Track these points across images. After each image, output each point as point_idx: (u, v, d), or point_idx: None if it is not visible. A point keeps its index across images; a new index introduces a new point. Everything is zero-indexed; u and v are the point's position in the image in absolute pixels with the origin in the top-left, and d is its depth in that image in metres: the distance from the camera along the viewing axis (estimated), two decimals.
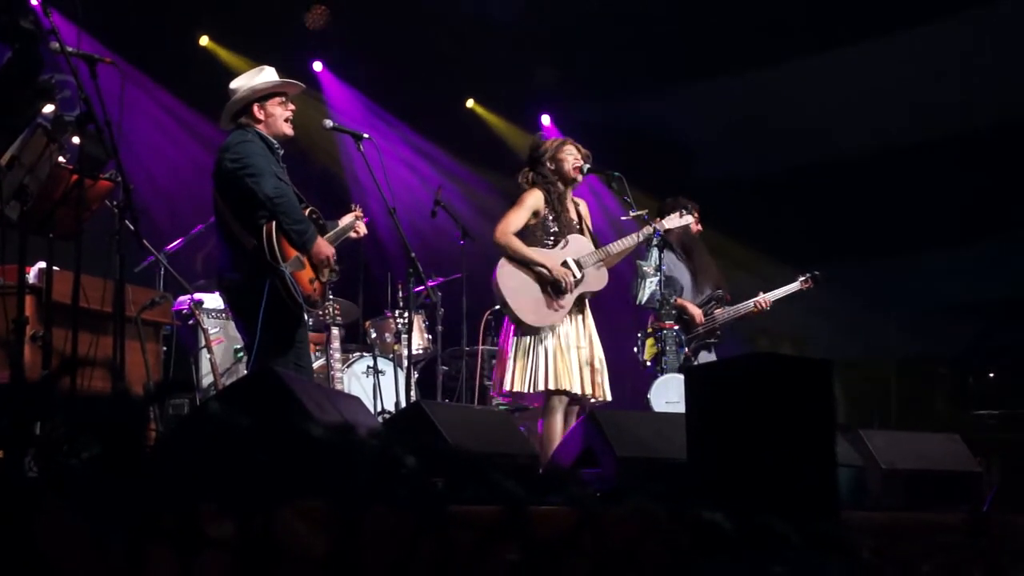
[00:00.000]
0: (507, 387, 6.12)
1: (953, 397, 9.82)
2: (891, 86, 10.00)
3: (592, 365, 6.17)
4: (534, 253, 6.16)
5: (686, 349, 7.08)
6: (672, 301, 7.07)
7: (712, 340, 7.28)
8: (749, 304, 7.40)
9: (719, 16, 9.73)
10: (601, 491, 4.29)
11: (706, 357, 7.24)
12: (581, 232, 6.36)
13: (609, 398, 6.24)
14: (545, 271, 6.13)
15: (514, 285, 6.12)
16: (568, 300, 6.16)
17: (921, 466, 5.35)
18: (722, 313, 7.30)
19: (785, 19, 9.67)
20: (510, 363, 6.10)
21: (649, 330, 6.99)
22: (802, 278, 7.58)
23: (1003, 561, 3.33)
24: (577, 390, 6.07)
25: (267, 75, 5.65)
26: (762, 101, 10.33)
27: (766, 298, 7.42)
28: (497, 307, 6.35)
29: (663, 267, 6.67)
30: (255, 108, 5.55)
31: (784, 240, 9.87)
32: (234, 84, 5.65)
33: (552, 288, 6.14)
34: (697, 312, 7.17)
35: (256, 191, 5.26)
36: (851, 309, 8.21)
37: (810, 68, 10.19)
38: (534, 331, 6.11)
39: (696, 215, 7.24)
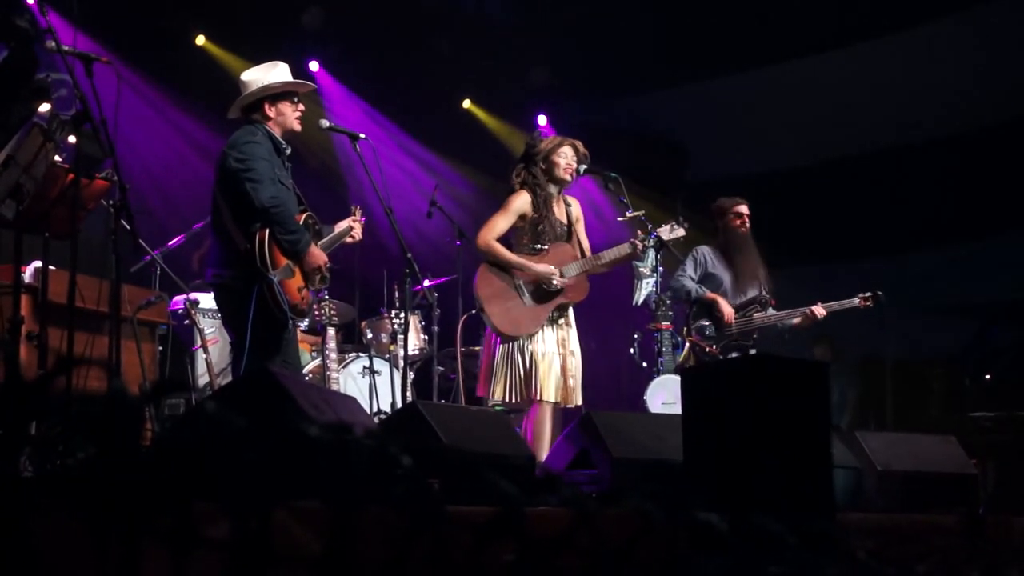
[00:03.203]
0: (496, 397, 6.10)
1: (949, 399, 9.83)
2: (888, 86, 10.01)
3: (567, 373, 6.12)
4: (514, 257, 6.13)
5: (713, 347, 7.00)
6: (703, 295, 7.03)
7: (747, 343, 7.12)
8: (795, 313, 7.19)
9: (716, 17, 9.74)
10: (597, 492, 4.29)
11: None
12: (569, 235, 6.32)
13: (579, 403, 6.19)
14: (525, 274, 6.10)
15: (491, 292, 6.10)
16: (545, 309, 6.13)
17: (917, 468, 5.35)
18: (762, 317, 7.13)
19: (782, 20, 9.67)
20: (494, 373, 6.08)
21: (644, 330, 6.96)
22: (861, 295, 7.35)
23: (999, 562, 3.33)
24: (551, 398, 6.04)
25: (280, 73, 5.64)
26: (758, 102, 10.34)
27: (819, 309, 7.19)
28: (475, 311, 6.32)
29: (660, 268, 6.64)
30: (266, 106, 5.56)
31: (780, 241, 9.86)
32: (246, 76, 5.64)
33: (532, 295, 6.12)
34: (728, 311, 7.06)
35: (252, 198, 5.25)
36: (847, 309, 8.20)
37: (807, 69, 10.20)
38: (514, 338, 6.09)
39: (735, 210, 7.21)
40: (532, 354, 6.04)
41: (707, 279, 7.16)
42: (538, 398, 6.00)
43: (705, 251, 7.20)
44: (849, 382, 10.27)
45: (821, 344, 9.96)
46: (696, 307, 7.08)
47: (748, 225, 7.29)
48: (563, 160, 6.24)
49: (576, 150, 6.31)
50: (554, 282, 6.10)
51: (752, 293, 7.18)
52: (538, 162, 6.25)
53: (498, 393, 6.06)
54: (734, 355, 7.05)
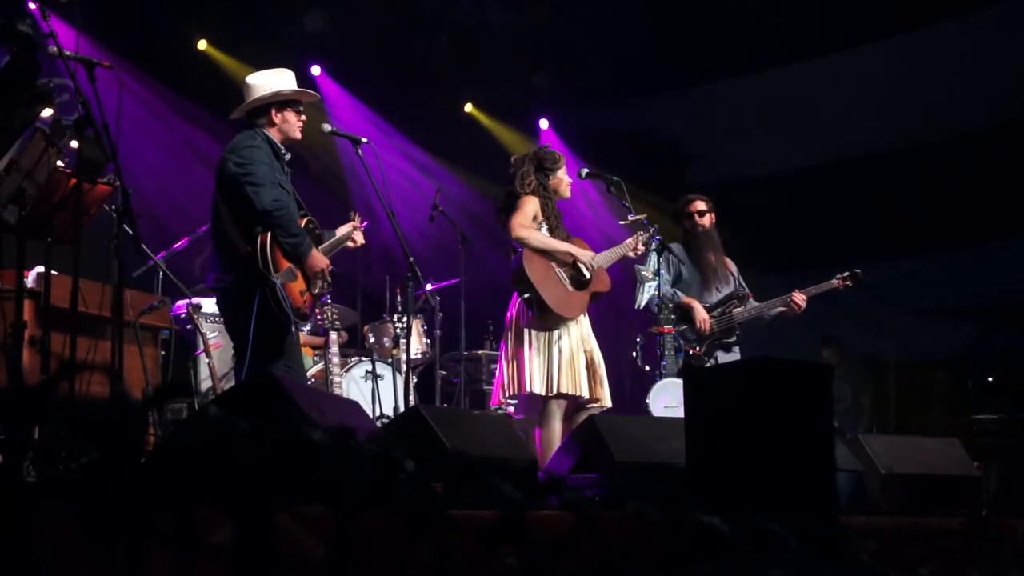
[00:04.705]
0: (527, 388, 6.10)
1: (952, 402, 9.83)
2: (889, 89, 10.02)
3: (595, 369, 6.21)
4: (558, 242, 6.22)
5: (696, 348, 6.94)
6: (678, 299, 6.97)
7: (731, 339, 6.99)
8: (775, 302, 7.05)
9: (716, 20, 9.74)
10: (600, 496, 4.29)
11: (726, 358, 6.96)
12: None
13: (609, 404, 6.26)
14: (570, 257, 6.22)
15: (542, 276, 6.18)
16: (585, 296, 6.24)
17: (920, 470, 5.34)
18: (741, 312, 7.01)
19: (782, 23, 9.68)
20: (528, 362, 6.11)
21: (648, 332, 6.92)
22: (839, 276, 7.17)
23: (1002, 564, 3.33)
24: (584, 393, 6.10)
25: (289, 80, 5.66)
26: (759, 104, 10.34)
27: (800, 296, 7.02)
28: (527, 296, 6.28)
29: (661, 271, 6.64)
30: (273, 111, 5.57)
31: (781, 243, 9.88)
32: (253, 80, 5.65)
33: (571, 282, 6.21)
34: (702, 317, 6.96)
35: (255, 202, 5.26)
36: (849, 312, 8.20)
37: (808, 73, 10.21)
38: (551, 327, 6.14)
39: (690, 208, 7.15)
40: (568, 346, 6.14)
41: (680, 279, 7.10)
42: (568, 391, 6.06)
43: (676, 250, 7.12)
44: (861, 387, 10.25)
45: (829, 347, 9.95)
46: (676, 311, 7.01)
47: (708, 221, 7.18)
48: (567, 179, 6.42)
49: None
50: (594, 264, 6.26)
51: (727, 290, 7.12)
52: (548, 175, 6.34)
53: (535, 385, 6.08)
54: (720, 353, 7.01)
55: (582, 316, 6.31)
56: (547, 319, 6.15)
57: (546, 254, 6.22)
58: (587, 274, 6.27)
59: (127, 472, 1.64)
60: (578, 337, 6.22)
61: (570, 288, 6.24)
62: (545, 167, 6.37)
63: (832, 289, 7.18)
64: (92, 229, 5.16)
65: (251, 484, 1.67)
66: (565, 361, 6.11)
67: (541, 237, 6.23)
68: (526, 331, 6.18)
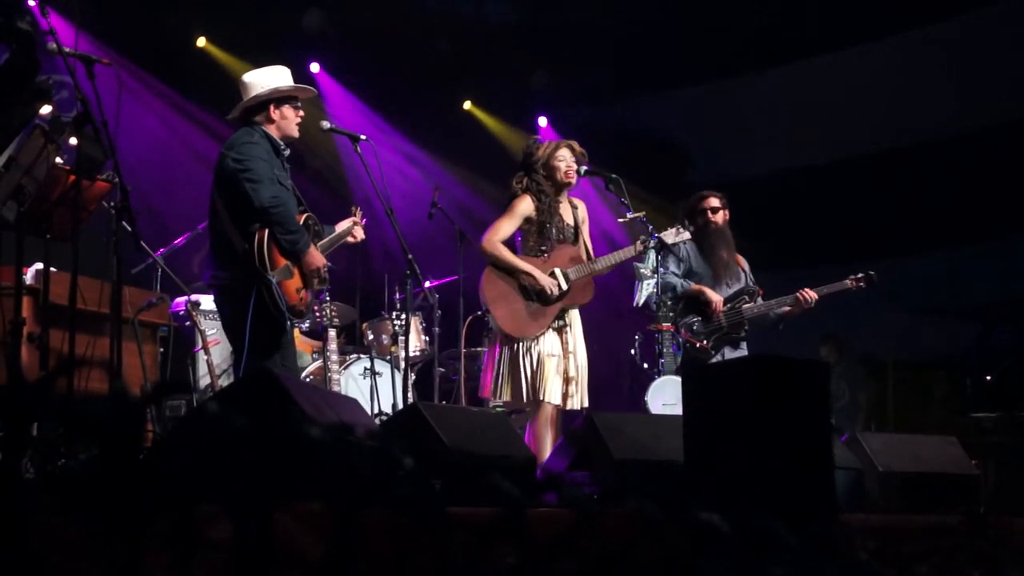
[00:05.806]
0: (503, 398, 6.13)
1: (950, 400, 9.83)
2: (887, 88, 10.02)
3: (567, 376, 6.15)
4: (520, 261, 6.16)
5: (703, 342, 6.90)
6: (688, 288, 6.93)
7: (739, 335, 6.93)
8: (786, 299, 6.98)
9: (715, 20, 9.74)
10: (598, 493, 4.29)
11: (732, 355, 6.90)
12: (576, 238, 6.34)
13: (580, 406, 6.22)
14: (531, 279, 6.13)
15: (497, 294, 6.13)
16: (550, 312, 6.16)
17: (918, 469, 5.35)
18: (750, 308, 6.95)
19: (780, 24, 9.68)
20: (495, 373, 6.13)
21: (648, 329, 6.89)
22: (852, 276, 7.08)
23: (1000, 562, 3.33)
24: (554, 400, 6.08)
25: (286, 77, 5.66)
26: (758, 104, 10.34)
27: (810, 293, 6.93)
28: (480, 312, 6.34)
29: (660, 268, 6.61)
30: (271, 108, 5.57)
31: (782, 242, 9.87)
32: (249, 78, 5.64)
33: (537, 298, 6.15)
34: (716, 298, 6.84)
35: (253, 198, 5.26)
36: (848, 311, 8.17)
37: (808, 71, 10.21)
38: (516, 341, 6.12)
39: (704, 204, 7.10)
40: (538, 355, 6.08)
41: (691, 275, 7.07)
42: (541, 399, 6.04)
43: (686, 247, 7.09)
44: (859, 384, 10.24)
45: (828, 344, 9.94)
46: (683, 303, 6.97)
47: (722, 217, 7.14)
48: (563, 164, 6.25)
49: (572, 150, 6.31)
50: (554, 293, 6.14)
51: (737, 285, 7.08)
52: (538, 169, 6.25)
53: (505, 395, 6.10)
54: (727, 349, 6.97)
55: (564, 323, 6.25)
56: (507, 335, 6.16)
57: (510, 270, 6.20)
58: (564, 286, 6.21)
59: (126, 469, 1.64)
60: (551, 344, 6.18)
61: (531, 305, 6.15)
62: (529, 162, 6.28)
63: (845, 290, 7.14)
64: (91, 226, 5.17)
65: (250, 481, 1.67)
66: (535, 372, 6.08)
67: (505, 255, 6.15)
68: (497, 344, 6.19)
